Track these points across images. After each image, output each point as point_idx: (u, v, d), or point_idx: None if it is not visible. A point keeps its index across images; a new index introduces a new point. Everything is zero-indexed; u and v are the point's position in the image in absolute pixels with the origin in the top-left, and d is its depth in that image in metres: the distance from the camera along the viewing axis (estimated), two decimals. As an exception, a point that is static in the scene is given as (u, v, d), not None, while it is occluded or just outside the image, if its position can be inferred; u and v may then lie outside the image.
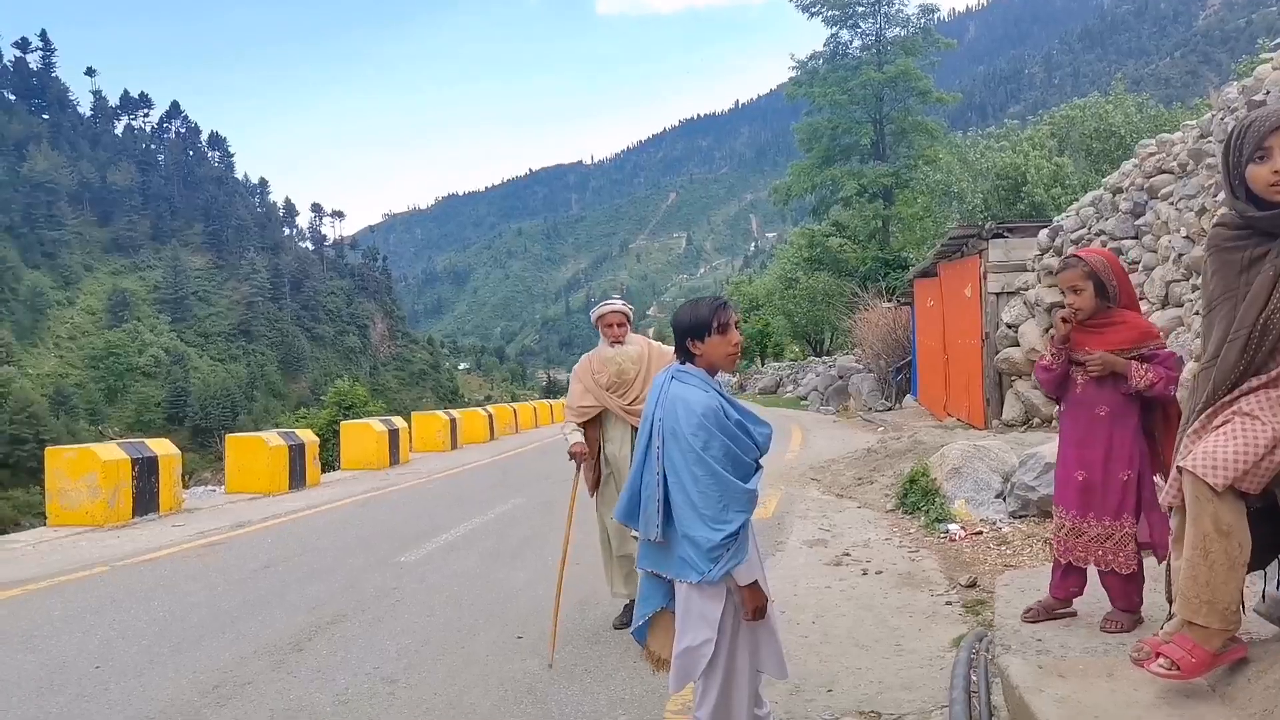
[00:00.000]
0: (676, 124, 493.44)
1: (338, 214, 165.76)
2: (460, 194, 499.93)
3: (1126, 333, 3.29)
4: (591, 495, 4.65)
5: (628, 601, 4.52)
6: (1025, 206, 22.48)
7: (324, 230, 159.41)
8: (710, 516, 2.42)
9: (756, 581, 2.51)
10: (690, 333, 2.65)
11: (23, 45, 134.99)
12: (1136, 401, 3.27)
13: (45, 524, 9.44)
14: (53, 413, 69.36)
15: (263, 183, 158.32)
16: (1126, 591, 3.25)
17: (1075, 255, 3.42)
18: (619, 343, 4.54)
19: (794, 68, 41.02)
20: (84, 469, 9.05)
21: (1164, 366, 3.22)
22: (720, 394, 2.61)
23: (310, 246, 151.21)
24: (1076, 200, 12.23)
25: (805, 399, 27.31)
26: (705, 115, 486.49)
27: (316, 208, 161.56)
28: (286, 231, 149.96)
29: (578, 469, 4.63)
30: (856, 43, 39.83)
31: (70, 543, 8.10)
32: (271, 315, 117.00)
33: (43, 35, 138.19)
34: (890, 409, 19.46)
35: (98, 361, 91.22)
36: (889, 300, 24.99)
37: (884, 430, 14.61)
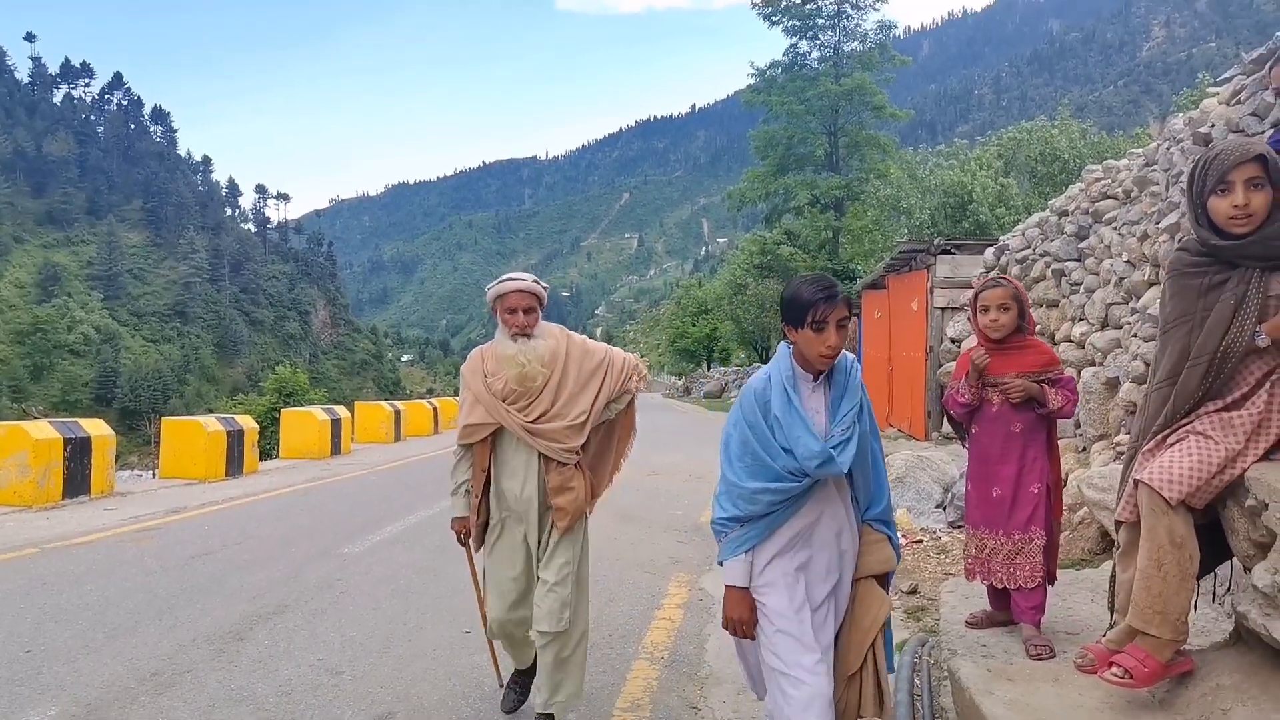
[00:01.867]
0: (633, 124, 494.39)
1: (283, 196, 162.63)
2: (411, 182, 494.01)
3: (1036, 357, 3.45)
4: (477, 549, 3.34)
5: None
6: (970, 224, 23.03)
7: (268, 212, 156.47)
8: (719, 492, 2.41)
9: (738, 588, 2.37)
10: (785, 316, 2.36)
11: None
12: (1045, 419, 3.42)
13: (-32, 503, 9.09)
14: (-27, 388, 66.70)
15: (206, 161, 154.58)
16: (1033, 606, 3.36)
17: (1000, 277, 3.56)
18: (524, 335, 3.20)
19: (753, 75, 41.42)
20: (14, 447, 8.74)
21: (1068, 390, 3.40)
22: (787, 387, 2.35)
23: (253, 228, 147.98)
24: (1021, 220, 12.59)
25: (750, 404, 27.51)
26: (662, 117, 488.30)
27: (261, 189, 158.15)
28: (229, 212, 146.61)
29: (468, 548, 3.38)
30: (815, 54, 40.38)
31: (-4, 523, 7.81)
32: (209, 297, 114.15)
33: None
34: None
35: (24, 337, 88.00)
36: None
37: (828, 438, 14.80)
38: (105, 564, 6.14)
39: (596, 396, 3.23)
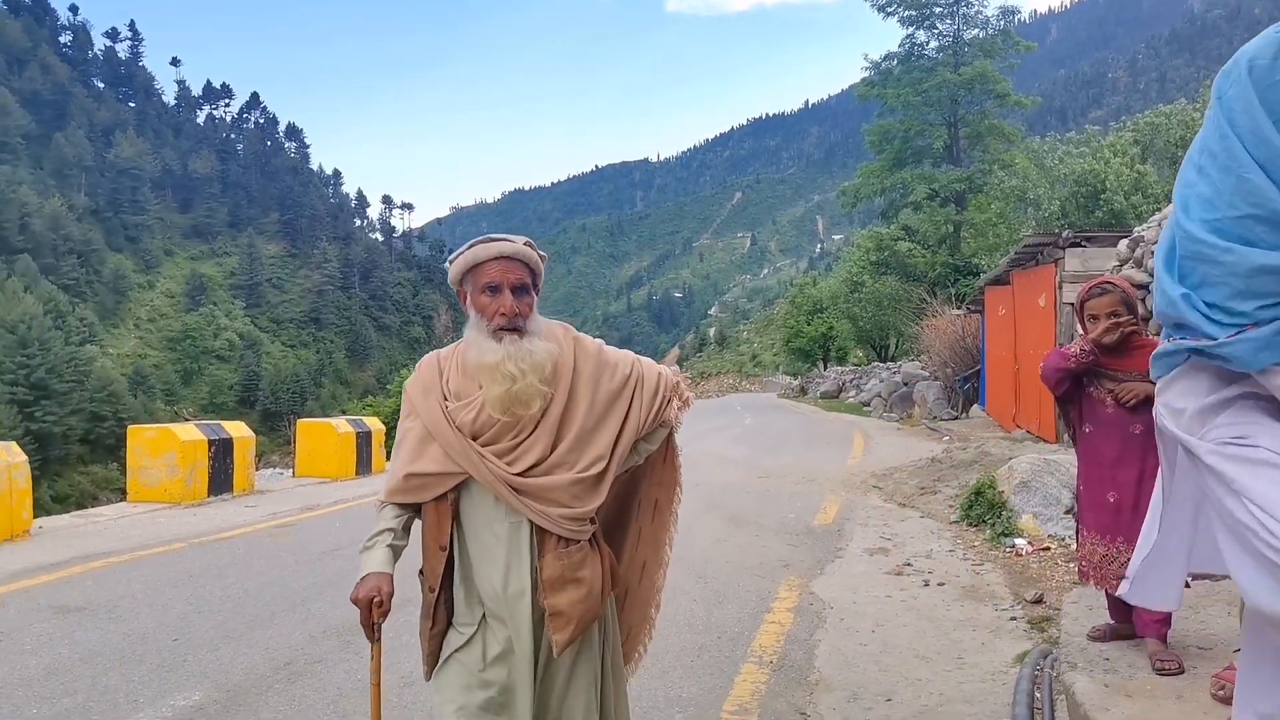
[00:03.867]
0: (744, 123, 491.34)
1: (407, 206, 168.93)
2: (526, 188, 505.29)
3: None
4: (428, 677, 2.14)
5: None
6: (1104, 214, 21.86)
7: (393, 222, 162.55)
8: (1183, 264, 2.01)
9: None
10: None
11: (112, 35, 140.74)
12: None
13: (125, 499, 9.86)
14: (131, 392, 72.03)
15: (336, 174, 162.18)
16: (1157, 620, 3.16)
17: (1107, 281, 3.34)
18: (514, 331, 2.01)
19: (867, 68, 40.51)
20: (164, 448, 9.42)
21: None
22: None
23: (379, 237, 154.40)
24: (1159, 210, 11.86)
25: (868, 405, 26.97)
26: (774, 115, 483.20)
27: (387, 200, 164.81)
28: (358, 222, 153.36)
29: (371, 637, 2.08)
30: (933, 44, 39.12)
31: (149, 519, 8.44)
32: (341, 304, 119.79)
33: (131, 26, 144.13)
34: (956, 418, 19.12)
35: (175, 343, 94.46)
36: (958, 307, 24.53)
37: (949, 440, 14.37)
38: (245, 558, 6.54)
39: (620, 433, 2.06)
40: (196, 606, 5.16)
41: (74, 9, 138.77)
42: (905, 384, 24.66)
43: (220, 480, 9.84)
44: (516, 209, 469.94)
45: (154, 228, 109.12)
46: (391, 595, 2.03)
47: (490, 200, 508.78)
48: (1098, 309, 3.27)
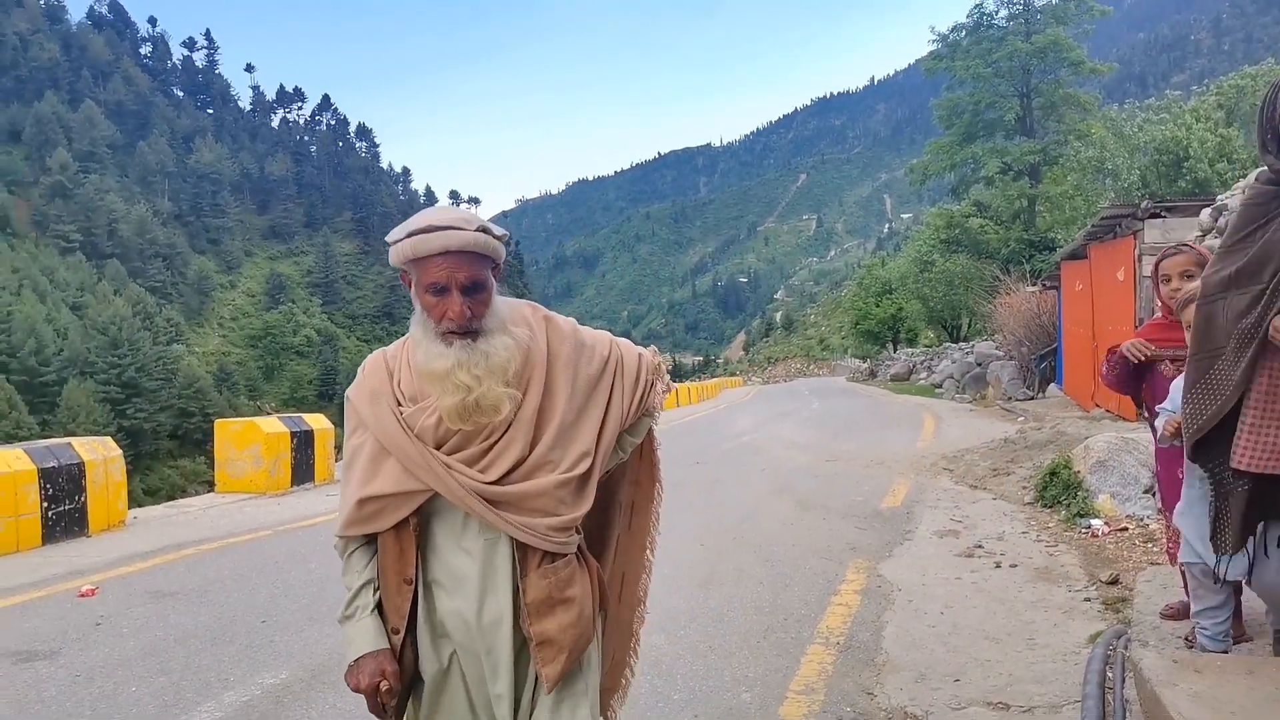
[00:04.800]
0: (808, 103, 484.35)
1: (474, 200, 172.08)
2: (590, 179, 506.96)
3: None
4: None
5: None
6: (1187, 183, 21.04)
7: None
8: None
9: None
10: None
11: (190, 44, 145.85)
12: None
13: (213, 490, 10.30)
14: (216, 388, 74.75)
15: (405, 171, 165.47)
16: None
17: (1184, 243, 3.27)
18: (464, 334, 1.66)
19: (934, 41, 39.56)
20: (249, 441, 9.80)
21: None
22: None
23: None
24: (1245, 177, 11.37)
25: (940, 386, 26.49)
26: (839, 93, 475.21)
27: (454, 194, 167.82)
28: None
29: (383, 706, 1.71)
30: (1002, 13, 37.97)
31: (236, 508, 8.81)
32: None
33: (207, 34, 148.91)
34: (1032, 398, 18.65)
35: (256, 341, 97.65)
36: (1033, 284, 23.87)
37: (1024, 420, 14.04)
38: (326, 545, 6.76)
39: (603, 424, 1.77)
40: (283, 590, 5.39)
41: (153, 20, 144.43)
42: (978, 364, 24.15)
43: (302, 471, 10.20)
44: (580, 199, 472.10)
45: (234, 230, 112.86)
46: (398, 674, 1.69)
47: (555, 191, 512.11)
48: (1171, 268, 3.22)
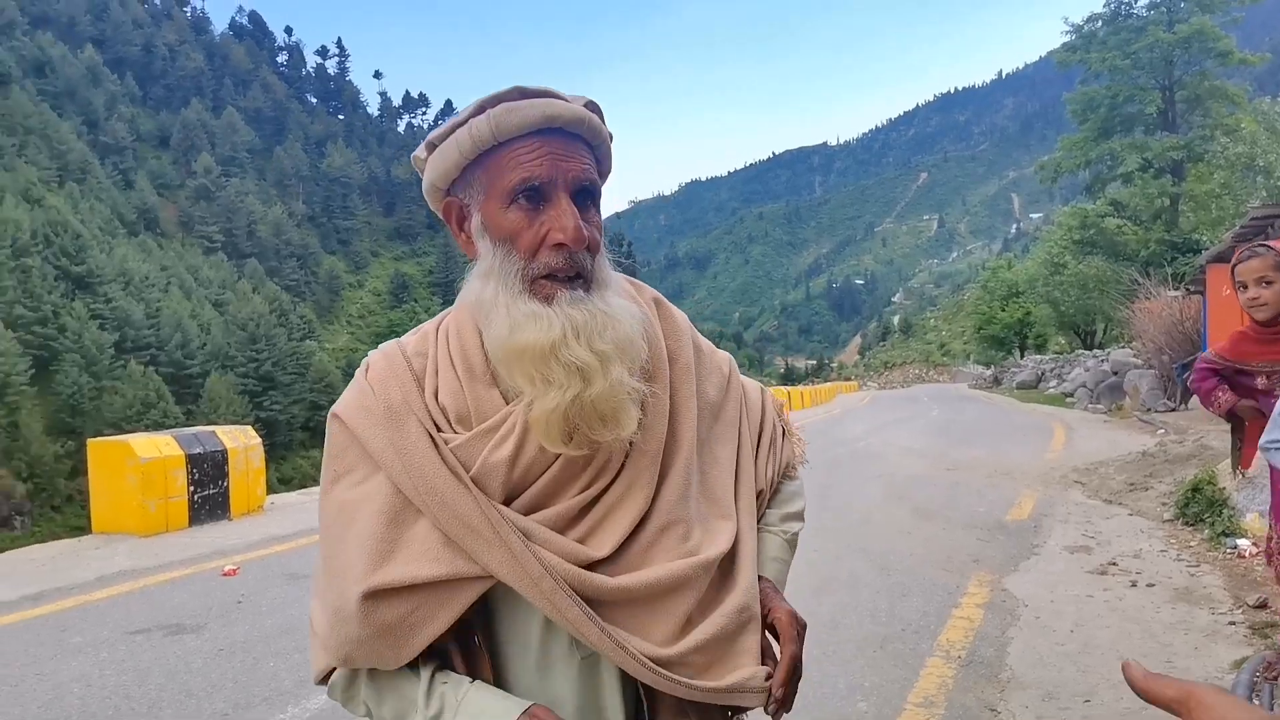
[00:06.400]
0: (930, 99, 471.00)
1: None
2: (703, 179, 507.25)
3: None
4: None
5: None
6: (1352, 180, 19.42)
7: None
8: None
9: None
10: None
11: (323, 53, 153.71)
12: None
13: (343, 479, 10.81)
14: (344, 382, 78.14)
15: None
16: None
17: (1262, 244, 2.95)
18: (573, 282, 0.99)
19: (1068, 32, 37.78)
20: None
21: None
22: None
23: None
24: None
25: (1071, 396, 25.29)
26: (963, 88, 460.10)
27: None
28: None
29: None
30: (1142, 1, 35.96)
31: (363, 497, 9.21)
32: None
33: (339, 43, 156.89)
34: (1173, 410, 17.58)
35: (381, 338, 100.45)
36: (1175, 288, 22.50)
37: (1164, 433, 13.25)
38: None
39: (737, 478, 1.13)
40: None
41: (289, 30, 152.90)
42: (1114, 373, 22.96)
43: (423, 464, 10.59)
44: (694, 200, 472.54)
45: (362, 231, 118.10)
46: None
47: (667, 193, 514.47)
48: (1246, 274, 2.90)
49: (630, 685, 1.02)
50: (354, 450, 1.03)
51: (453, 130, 1.01)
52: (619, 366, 0.97)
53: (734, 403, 1.18)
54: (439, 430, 1.01)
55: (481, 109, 0.99)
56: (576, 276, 0.99)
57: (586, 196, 1.01)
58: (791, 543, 1.20)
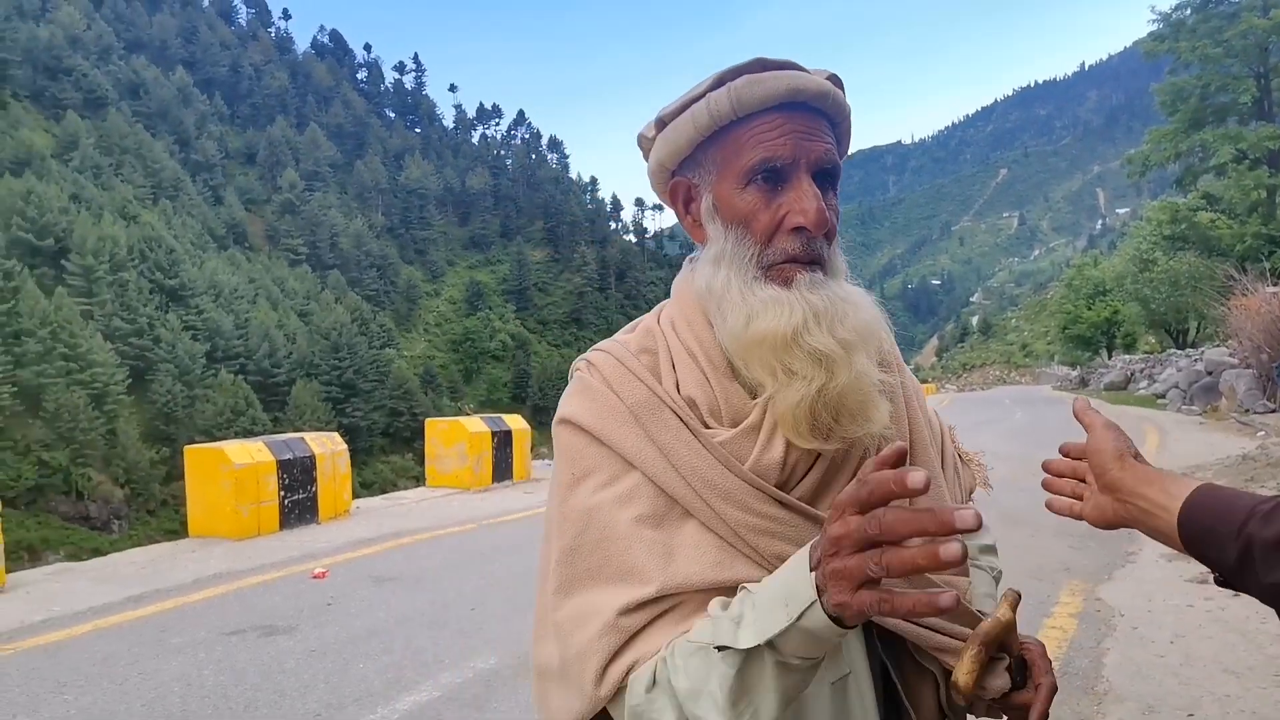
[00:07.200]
0: (1010, 93, 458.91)
1: (658, 207, 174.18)
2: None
3: None
4: None
5: None
6: None
7: (645, 223, 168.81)
8: None
9: None
10: None
11: (400, 68, 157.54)
12: None
13: (422, 485, 11.05)
14: (422, 389, 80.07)
15: (593, 181, 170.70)
16: None
17: None
18: (810, 266, 0.92)
19: (1154, 21, 36.34)
20: (455, 439, 10.43)
21: None
22: None
23: (633, 239, 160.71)
24: None
25: (1163, 397, 24.29)
26: (1044, 81, 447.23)
27: (639, 202, 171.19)
28: (613, 225, 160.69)
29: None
30: (1234, -13, 34.42)
31: (445, 502, 9.39)
32: (599, 304, 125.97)
33: (415, 58, 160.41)
34: (1273, 411, 16.74)
35: (457, 345, 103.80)
36: (1274, 283, 21.43)
37: (1265, 435, 12.62)
38: (527, 539, 7.11)
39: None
40: (489, 581, 5.69)
41: (368, 47, 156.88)
42: (1209, 373, 21.97)
43: (502, 468, 10.74)
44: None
45: (438, 241, 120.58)
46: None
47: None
48: None
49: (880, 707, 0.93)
50: (595, 451, 0.95)
51: (688, 105, 0.95)
52: (863, 356, 0.90)
53: (936, 425, 1.12)
54: (720, 412, 0.94)
55: (721, 82, 0.93)
56: (813, 263, 0.93)
57: (827, 178, 0.95)
58: (997, 580, 1.09)
